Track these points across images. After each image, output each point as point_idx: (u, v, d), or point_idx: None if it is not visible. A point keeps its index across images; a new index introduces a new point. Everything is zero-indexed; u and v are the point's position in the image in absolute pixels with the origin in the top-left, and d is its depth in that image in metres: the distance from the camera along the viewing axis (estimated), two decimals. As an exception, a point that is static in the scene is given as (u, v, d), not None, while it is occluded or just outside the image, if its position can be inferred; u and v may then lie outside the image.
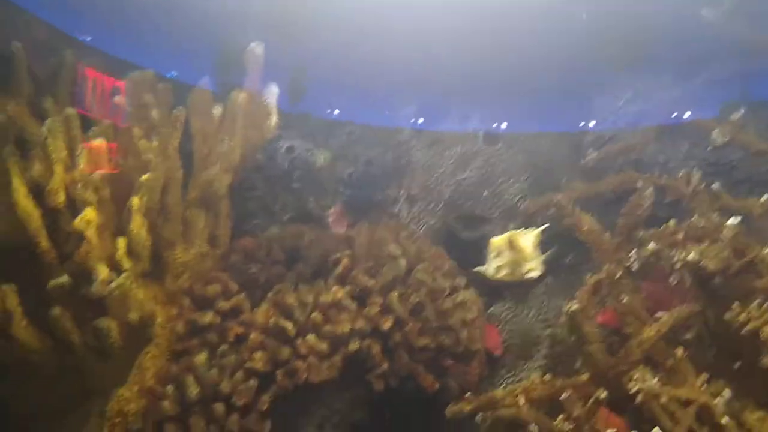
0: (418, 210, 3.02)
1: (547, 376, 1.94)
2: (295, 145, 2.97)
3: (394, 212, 3.10)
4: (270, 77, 2.45)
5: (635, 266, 1.92)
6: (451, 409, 1.91)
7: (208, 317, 2.12)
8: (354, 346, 2.16)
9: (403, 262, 2.33)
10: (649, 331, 1.75)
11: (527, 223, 2.74)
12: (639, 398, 1.60)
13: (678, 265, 1.70)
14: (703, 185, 2.25)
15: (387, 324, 2.20)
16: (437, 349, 2.32)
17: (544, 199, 2.68)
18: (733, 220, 1.74)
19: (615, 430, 1.69)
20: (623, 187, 2.54)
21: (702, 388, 1.57)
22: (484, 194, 2.93)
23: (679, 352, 1.68)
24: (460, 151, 2.97)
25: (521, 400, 1.85)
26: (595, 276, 1.93)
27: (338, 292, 2.22)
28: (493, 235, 2.72)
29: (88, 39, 2.90)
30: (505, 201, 2.92)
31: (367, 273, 2.27)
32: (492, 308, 2.62)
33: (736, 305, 1.58)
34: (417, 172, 3.04)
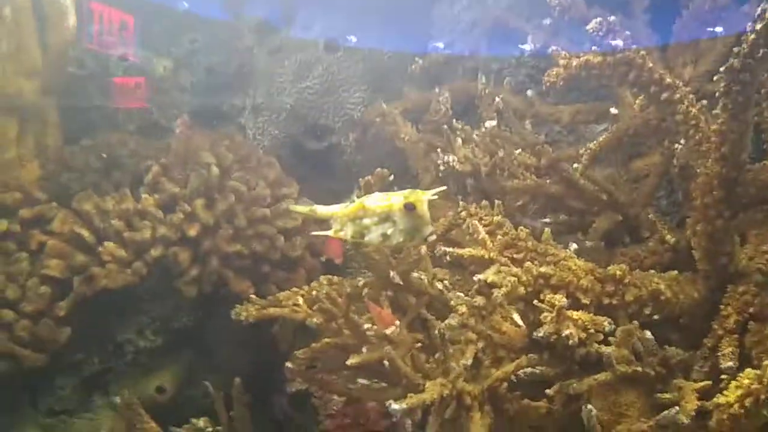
0: (263, 120, 2.98)
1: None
2: (125, 51, 2.87)
3: (240, 123, 3.06)
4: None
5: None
6: (235, 310, 1.94)
7: (3, 225, 2.09)
8: (156, 252, 2.17)
9: (215, 170, 2.32)
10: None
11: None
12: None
13: (442, 168, 1.72)
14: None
15: (192, 231, 2.21)
16: (252, 256, 2.35)
17: (374, 108, 2.68)
18: (489, 123, 1.76)
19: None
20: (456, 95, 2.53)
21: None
22: (327, 103, 2.90)
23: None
24: (301, 59, 2.91)
25: (299, 300, 1.90)
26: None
27: (146, 200, 2.21)
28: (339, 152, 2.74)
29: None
30: (347, 110, 2.90)
31: (174, 181, 2.26)
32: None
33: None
34: (260, 82, 2.99)
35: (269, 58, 3.00)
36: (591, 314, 1.26)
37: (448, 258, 1.41)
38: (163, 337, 2.41)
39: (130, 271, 2.15)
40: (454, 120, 1.90)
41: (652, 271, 1.44)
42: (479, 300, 1.24)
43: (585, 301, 1.34)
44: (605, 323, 1.25)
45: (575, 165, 1.65)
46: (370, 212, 1.32)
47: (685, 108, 1.35)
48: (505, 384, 1.40)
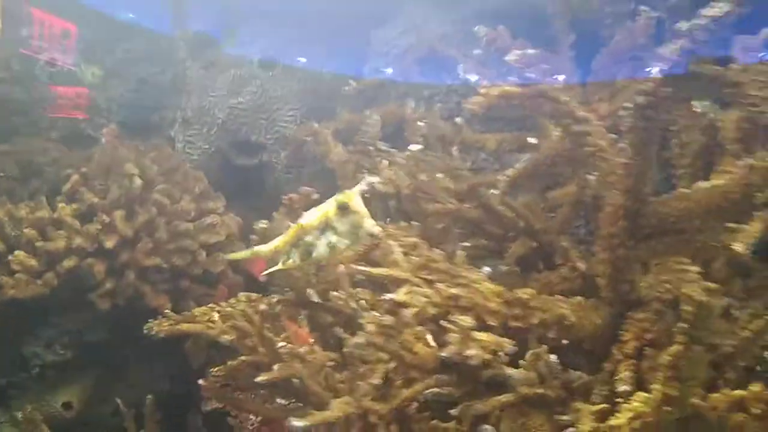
0: (193, 133, 2.94)
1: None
2: (57, 57, 2.80)
3: (170, 135, 3.01)
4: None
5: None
6: (147, 325, 1.88)
7: None
8: (70, 263, 2.10)
9: (138, 181, 2.27)
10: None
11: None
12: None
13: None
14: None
15: (110, 242, 2.15)
16: (171, 270, 2.30)
17: (306, 127, 2.68)
18: (413, 146, 1.79)
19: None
20: (386, 119, 2.56)
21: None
22: (259, 120, 2.89)
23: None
24: (235, 74, 2.90)
25: (215, 317, 1.86)
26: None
27: (62, 209, 2.14)
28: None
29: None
30: (279, 128, 2.90)
31: (94, 191, 2.20)
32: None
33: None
34: (192, 94, 2.96)
35: (203, 72, 2.98)
36: (495, 336, 1.28)
37: (361, 277, 1.42)
38: (73, 351, 2.33)
39: (40, 282, 2.07)
40: (379, 142, 1.92)
41: (559, 296, 1.47)
42: (387, 319, 1.25)
43: (492, 322, 1.37)
44: (506, 345, 1.27)
45: (492, 191, 1.69)
46: (309, 229, 1.31)
47: (595, 141, 1.40)
48: (415, 404, 1.40)
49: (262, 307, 1.59)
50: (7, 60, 2.71)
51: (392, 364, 1.39)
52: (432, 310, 1.33)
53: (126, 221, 2.18)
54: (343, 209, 1.26)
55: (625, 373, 1.38)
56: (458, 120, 2.34)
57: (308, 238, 1.32)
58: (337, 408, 1.25)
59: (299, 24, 2.99)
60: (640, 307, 1.44)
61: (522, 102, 1.38)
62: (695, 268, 1.41)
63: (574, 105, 1.39)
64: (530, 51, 1.38)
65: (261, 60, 2.89)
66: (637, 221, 1.37)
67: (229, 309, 1.86)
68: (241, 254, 1.41)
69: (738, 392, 1.07)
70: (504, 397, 1.36)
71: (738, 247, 1.16)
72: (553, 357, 1.40)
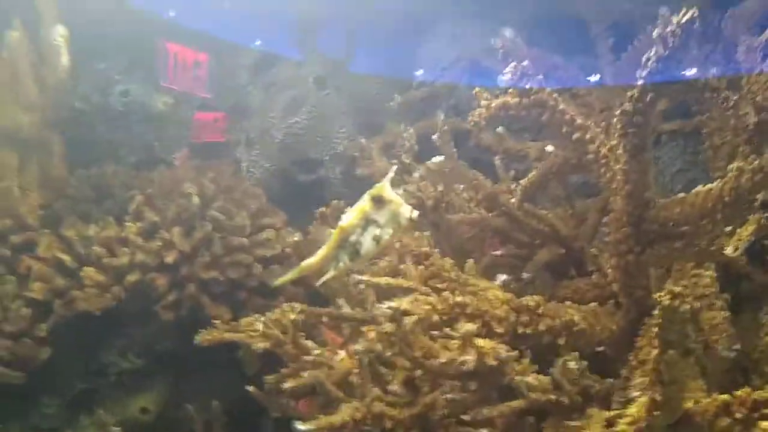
0: (256, 153, 3.11)
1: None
2: (130, 88, 3.04)
3: (236, 156, 3.20)
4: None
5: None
6: (203, 337, 2.02)
7: (-11, 250, 2.24)
8: (134, 277, 2.28)
9: (196, 200, 2.44)
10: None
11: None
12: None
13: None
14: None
15: (170, 258, 2.32)
16: (229, 282, 2.45)
17: (355, 143, 2.78)
18: (436, 158, 1.84)
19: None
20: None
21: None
22: (316, 137, 3.02)
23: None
24: (292, 95, 3.05)
25: (260, 326, 1.98)
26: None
27: (129, 228, 2.34)
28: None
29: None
30: (333, 144, 3.02)
31: (156, 210, 2.38)
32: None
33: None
34: (254, 116, 3.13)
35: (263, 94, 3.14)
36: (495, 342, 1.31)
37: (363, 287, 1.48)
38: (146, 360, 2.51)
39: (109, 295, 2.26)
40: (403, 155, 1.98)
41: (568, 302, 1.48)
42: (388, 327, 1.30)
43: (499, 330, 1.40)
44: (502, 351, 1.30)
45: (511, 200, 1.71)
46: (350, 229, 1.33)
47: (596, 148, 1.41)
48: (438, 411, 1.44)
49: (293, 316, 1.68)
50: (88, 92, 2.97)
51: (418, 372, 1.43)
52: (437, 318, 1.37)
53: (184, 237, 2.35)
54: (378, 201, 1.29)
55: (639, 379, 1.37)
56: (500, 129, 2.37)
57: (352, 238, 1.34)
58: (344, 412, 1.32)
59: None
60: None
61: (518, 112, 1.41)
62: (710, 273, 1.39)
63: (572, 113, 1.40)
64: (524, 63, 1.40)
65: (316, 78, 3.02)
66: (641, 227, 1.37)
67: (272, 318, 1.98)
68: (288, 276, 1.44)
69: (723, 396, 1.06)
70: (515, 403, 1.38)
71: (729, 251, 1.15)
72: (572, 363, 1.40)
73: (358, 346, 1.33)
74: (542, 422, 1.44)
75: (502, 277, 1.57)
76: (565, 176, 1.70)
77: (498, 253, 1.92)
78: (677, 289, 1.07)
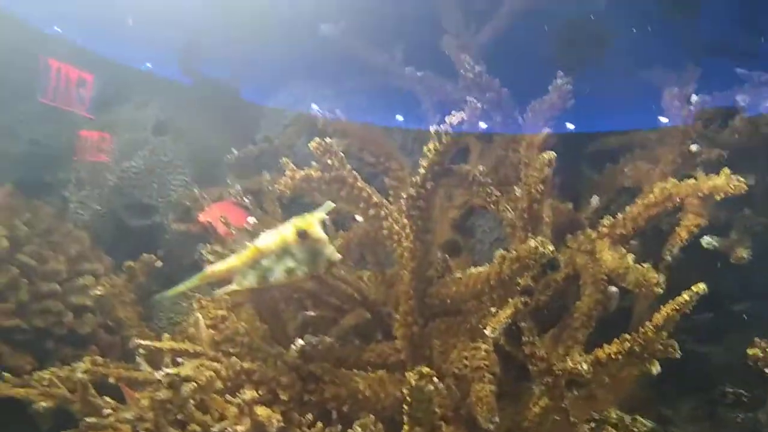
0: (86, 194, 2.98)
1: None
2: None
3: (65, 195, 3.05)
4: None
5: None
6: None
7: None
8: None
9: (3, 243, 2.29)
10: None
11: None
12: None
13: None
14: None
15: (-35, 304, 2.15)
16: (33, 331, 2.31)
17: (189, 193, 2.76)
18: (250, 219, 1.87)
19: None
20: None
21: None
22: (151, 183, 2.95)
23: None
24: (129, 138, 2.98)
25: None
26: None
27: None
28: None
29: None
30: (169, 191, 2.96)
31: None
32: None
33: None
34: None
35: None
36: (269, 411, 1.33)
37: (142, 351, 1.46)
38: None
39: None
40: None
41: (356, 371, 1.53)
42: (164, 393, 1.28)
43: (284, 397, 1.41)
44: (275, 420, 1.32)
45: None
46: (266, 253, 1.31)
47: (390, 224, 1.48)
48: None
49: (79, 375, 1.60)
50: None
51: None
52: (220, 384, 1.37)
53: (-19, 282, 2.19)
54: (303, 236, 1.27)
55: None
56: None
57: (265, 262, 1.32)
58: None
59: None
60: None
61: (320, 187, 1.46)
62: (486, 347, 1.48)
63: (368, 190, 1.47)
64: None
65: (155, 125, 2.97)
66: (424, 301, 1.45)
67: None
68: (190, 282, 1.37)
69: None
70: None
71: (488, 331, 1.24)
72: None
73: (126, 414, 1.29)
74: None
75: (300, 342, 1.59)
76: (371, 246, 1.76)
77: (311, 314, 1.95)
78: (425, 369, 1.14)
